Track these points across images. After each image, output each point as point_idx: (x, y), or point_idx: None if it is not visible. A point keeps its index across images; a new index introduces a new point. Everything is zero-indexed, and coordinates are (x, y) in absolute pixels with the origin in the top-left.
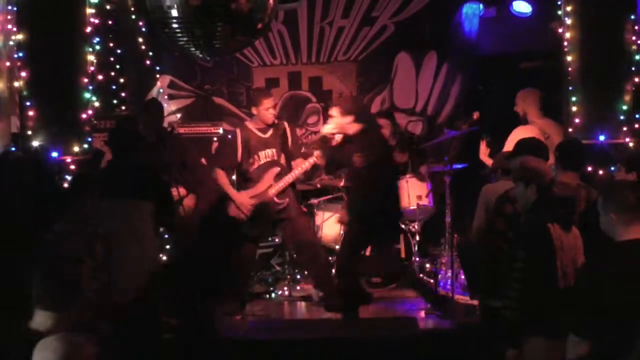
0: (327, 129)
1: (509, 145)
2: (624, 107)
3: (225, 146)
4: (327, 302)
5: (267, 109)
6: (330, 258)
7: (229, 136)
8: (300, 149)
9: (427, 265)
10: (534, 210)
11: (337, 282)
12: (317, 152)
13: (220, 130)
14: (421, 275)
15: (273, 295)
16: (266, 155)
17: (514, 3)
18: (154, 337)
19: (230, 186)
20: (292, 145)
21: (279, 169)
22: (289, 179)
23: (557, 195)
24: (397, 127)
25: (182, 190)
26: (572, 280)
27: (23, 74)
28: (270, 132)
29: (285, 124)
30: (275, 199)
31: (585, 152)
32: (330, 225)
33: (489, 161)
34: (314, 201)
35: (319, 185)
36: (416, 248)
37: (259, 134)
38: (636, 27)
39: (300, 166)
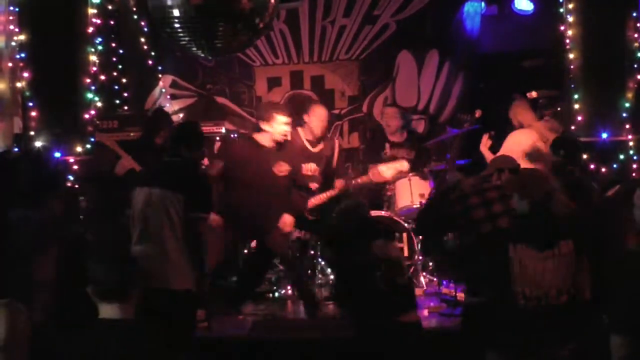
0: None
1: (504, 149)
2: (626, 105)
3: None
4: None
5: (322, 121)
6: None
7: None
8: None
9: (430, 264)
10: (507, 228)
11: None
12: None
13: (223, 130)
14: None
15: (276, 294)
16: (307, 169)
17: (516, 1)
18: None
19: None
20: (337, 167)
21: (317, 185)
22: (324, 197)
23: (548, 212)
24: (409, 121)
25: None
26: (548, 299)
27: (25, 74)
28: (319, 147)
29: (336, 142)
30: (307, 213)
31: (582, 148)
32: None
33: (488, 154)
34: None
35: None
36: (419, 247)
37: (309, 147)
38: (638, 25)
39: (340, 185)
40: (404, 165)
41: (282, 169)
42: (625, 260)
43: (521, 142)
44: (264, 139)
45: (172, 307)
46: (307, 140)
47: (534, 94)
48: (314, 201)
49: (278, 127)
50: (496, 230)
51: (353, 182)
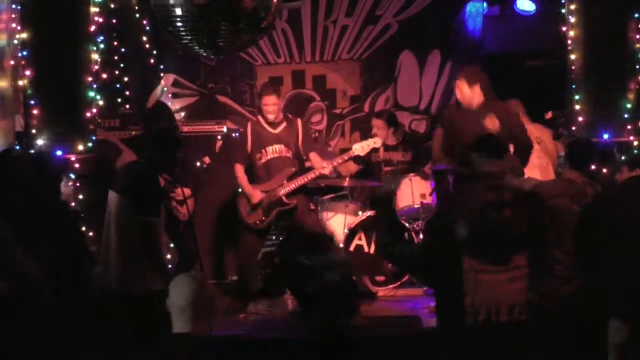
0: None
1: None
2: (628, 106)
3: (237, 139)
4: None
5: (267, 106)
6: None
7: (240, 130)
8: (323, 149)
9: None
10: (459, 242)
11: None
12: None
13: (225, 129)
14: None
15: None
16: (274, 150)
17: (518, 1)
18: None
19: (245, 179)
20: (303, 144)
21: (293, 169)
22: (300, 181)
23: (488, 225)
24: (400, 127)
25: (187, 191)
26: (499, 315)
27: (27, 72)
28: (281, 128)
29: (299, 122)
30: (284, 198)
31: (593, 151)
32: (333, 224)
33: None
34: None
35: (322, 185)
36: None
37: (269, 128)
38: (639, 26)
39: (317, 171)
40: (377, 142)
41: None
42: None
43: None
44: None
45: (114, 308)
46: (267, 123)
47: (549, 114)
48: (292, 185)
49: (264, 107)
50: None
51: (334, 163)
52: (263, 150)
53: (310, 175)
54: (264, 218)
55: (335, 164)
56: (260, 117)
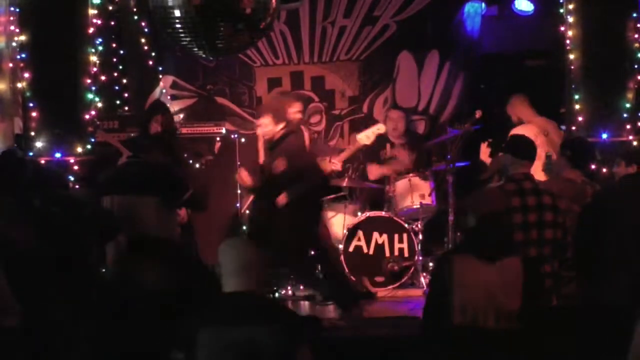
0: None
1: None
2: (627, 105)
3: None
4: (337, 301)
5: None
6: None
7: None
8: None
9: (430, 264)
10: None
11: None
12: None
13: (223, 131)
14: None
15: (276, 294)
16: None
17: (516, 1)
18: None
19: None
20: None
21: None
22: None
23: (495, 228)
24: (411, 124)
25: None
26: (487, 321)
27: (26, 74)
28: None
29: (304, 130)
30: None
31: (593, 150)
32: (333, 224)
33: (489, 161)
34: None
35: None
36: (419, 247)
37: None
38: (638, 25)
39: (327, 168)
40: (381, 128)
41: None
42: None
43: None
44: None
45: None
46: None
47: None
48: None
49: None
50: None
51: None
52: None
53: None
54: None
55: (343, 157)
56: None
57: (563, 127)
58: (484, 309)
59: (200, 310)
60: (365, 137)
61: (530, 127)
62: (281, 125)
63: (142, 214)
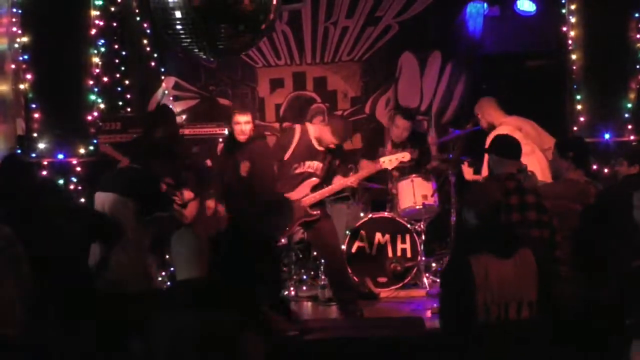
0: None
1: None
2: (629, 105)
3: (279, 140)
4: (341, 302)
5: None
6: None
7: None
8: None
9: (433, 265)
10: (465, 239)
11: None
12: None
13: (226, 131)
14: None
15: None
16: (310, 166)
17: (518, 2)
18: None
19: None
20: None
21: (317, 180)
22: (325, 192)
23: (495, 220)
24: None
25: (188, 194)
26: (508, 314)
27: (28, 76)
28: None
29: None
30: (309, 209)
31: (591, 150)
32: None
33: (476, 178)
34: None
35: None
36: (422, 247)
37: (315, 143)
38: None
39: (340, 182)
40: (406, 156)
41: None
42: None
43: None
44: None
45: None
46: (315, 137)
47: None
48: (317, 196)
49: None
50: None
51: (361, 177)
52: (302, 162)
53: (336, 187)
54: (287, 228)
55: (361, 177)
56: (311, 126)
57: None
58: (506, 304)
59: (156, 297)
60: (389, 161)
61: (504, 128)
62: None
63: (122, 214)
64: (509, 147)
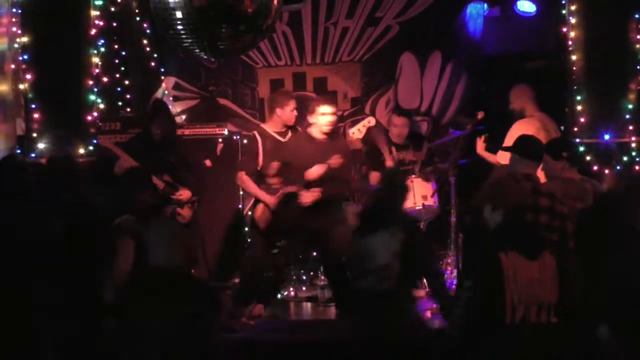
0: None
1: (509, 140)
2: (629, 106)
3: (245, 153)
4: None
5: (292, 110)
6: None
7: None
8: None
9: None
10: (492, 236)
11: None
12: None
13: (226, 132)
14: None
15: (279, 296)
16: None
17: (519, 2)
18: None
19: (256, 187)
20: None
21: None
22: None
23: (524, 220)
24: (416, 125)
25: (186, 193)
26: (531, 315)
27: (28, 76)
28: (289, 136)
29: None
30: None
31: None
32: None
33: (486, 155)
34: None
35: None
36: None
37: (279, 137)
38: None
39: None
40: (371, 120)
41: (337, 161)
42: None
43: (526, 132)
44: (271, 128)
45: None
46: (275, 132)
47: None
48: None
49: (290, 112)
50: None
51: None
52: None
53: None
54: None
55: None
56: (265, 126)
57: (562, 128)
58: (529, 306)
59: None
60: (357, 130)
61: (532, 121)
62: None
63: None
64: (532, 149)
